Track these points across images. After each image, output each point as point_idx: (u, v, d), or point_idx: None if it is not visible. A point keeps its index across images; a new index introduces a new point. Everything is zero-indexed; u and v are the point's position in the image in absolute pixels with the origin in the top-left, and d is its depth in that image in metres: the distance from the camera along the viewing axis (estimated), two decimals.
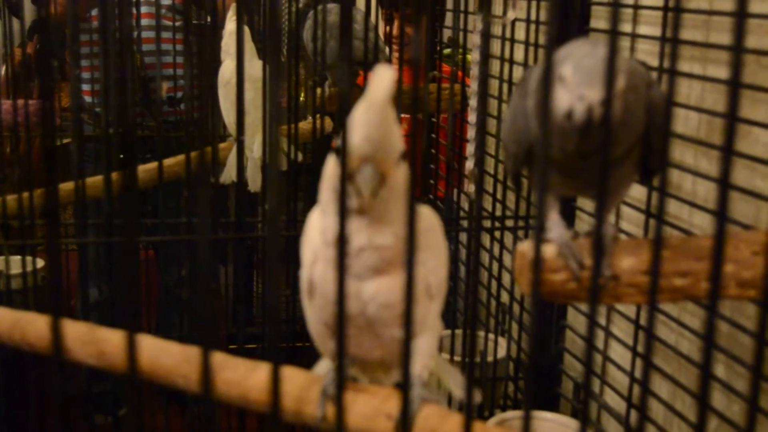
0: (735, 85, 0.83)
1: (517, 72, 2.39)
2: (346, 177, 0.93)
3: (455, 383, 1.36)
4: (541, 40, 2.29)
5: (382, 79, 1.01)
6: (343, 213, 0.86)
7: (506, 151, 1.39)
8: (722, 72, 1.76)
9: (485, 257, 2.65)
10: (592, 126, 1.08)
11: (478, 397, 1.34)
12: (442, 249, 1.20)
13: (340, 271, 0.87)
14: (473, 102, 2.19)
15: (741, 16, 0.82)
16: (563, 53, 1.15)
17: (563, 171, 1.24)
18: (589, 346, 0.89)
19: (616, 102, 1.10)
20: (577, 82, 1.09)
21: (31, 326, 1.28)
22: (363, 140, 1.02)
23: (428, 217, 1.19)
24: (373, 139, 1.02)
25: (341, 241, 0.86)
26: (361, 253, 1.09)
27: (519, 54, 2.38)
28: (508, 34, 2.40)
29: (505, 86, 2.44)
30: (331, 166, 1.10)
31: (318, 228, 1.14)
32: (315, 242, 1.14)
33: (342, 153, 0.87)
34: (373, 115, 1.01)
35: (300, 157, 2.78)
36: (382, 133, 1.02)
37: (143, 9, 3.51)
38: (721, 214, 0.83)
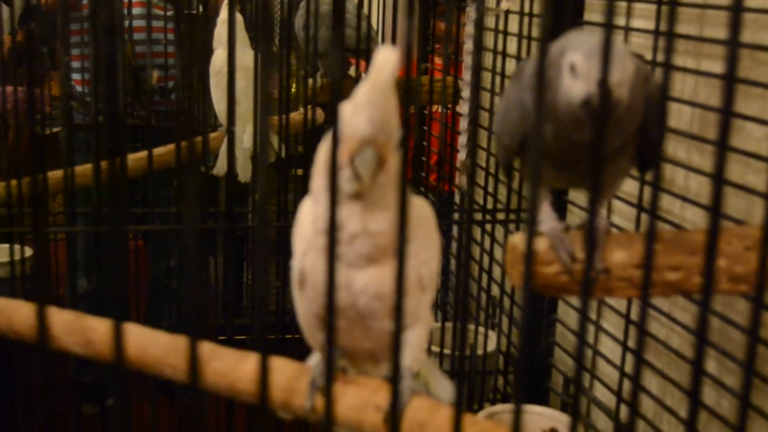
0: (730, 80, 0.83)
1: (510, 65, 2.38)
2: (340, 161, 0.91)
3: (443, 390, 1.35)
4: (535, 32, 2.28)
5: (386, 61, 1.00)
6: (334, 199, 0.85)
7: (498, 143, 1.38)
8: (716, 66, 1.75)
9: (476, 250, 2.65)
10: (611, 110, 1.09)
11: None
12: (435, 240, 1.19)
13: (330, 257, 0.86)
14: (466, 93, 2.18)
15: (737, 10, 0.82)
16: (562, 44, 1.14)
17: (557, 164, 1.23)
18: (581, 341, 0.88)
19: (626, 86, 1.10)
20: (591, 68, 1.09)
21: (18, 314, 1.27)
22: (365, 122, 1.01)
23: (422, 208, 1.18)
24: (375, 120, 1.01)
25: (332, 227, 0.85)
26: (354, 240, 1.07)
27: (512, 46, 2.37)
28: (501, 27, 2.39)
29: (498, 79, 2.43)
30: (325, 150, 1.09)
31: (310, 217, 1.13)
32: (307, 232, 1.13)
33: (334, 138, 0.86)
34: (376, 97, 1.00)
35: (291, 148, 2.77)
36: (384, 116, 1.01)
37: None
38: (716, 209, 0.82)
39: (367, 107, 1.00)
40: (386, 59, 1.00)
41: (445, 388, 1.35)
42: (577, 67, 1.11)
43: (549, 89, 1.14)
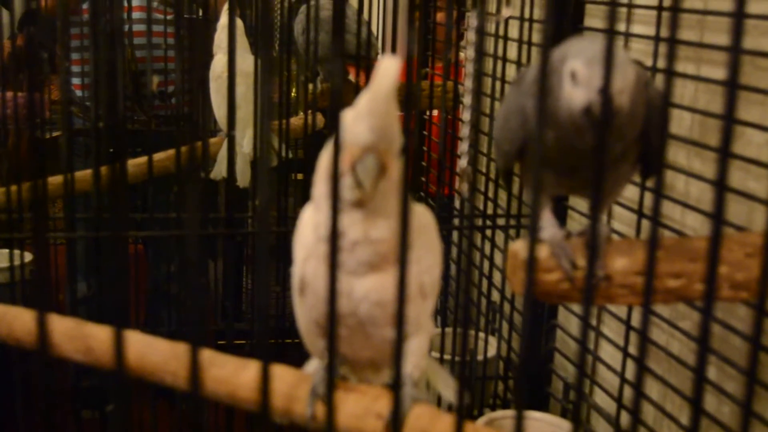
0: (732, 87, 0.82)
1: (511, 70, 2.38)
2: (342, 168, 0.91)
3: (445, 385, 1.35)
4: (535, 38, 2.28)
5: (388, 69, 1.00)
6: (336, 205, 0.85)
7: (498, 149, 1.38)
8: (716, 72, 1.75)
9: (476, 256, 2.65)
10: (612, 118, 1.08)
11: (465, 398, 1.33)
12: (436, 247, 1.19)
13: (332, 264, 0.86)
14: (467, 100, 2.18)
15: (739, 17, 0.81)
16: (563, 51, 1.14)
17: (558, 170, 1.23)
18: (582, 348, 0.88)
19: (627, 93, 1.10)
20: (592, 76, 1.09)
21: (18, 321, 1.27)
22: (367, 129, 1.01)
23: (423, 215, 1.18)
24: (377, 128, 1.01)
25: (333, 235, 0.85)
26: (355, 248, 1.07)
27: (512, 52, 2.37)
28: (501, 32, 2.39)
29: (498, 84, 2.43)
30: (326, 158, 1.09)
31: (311, 224, 1.13)
32: (308, 239, 1.13)
33: (336, 145, 0.86)
34: (378, 105, 1.00)
35: (290, 153, 2.77)
36: (386, 123, 1.01)
37: (134, 2, 3.48)
38: (718, 217, 0.82)
39: (369, 115, 1.00)
40: (389, 68, 1.00)
41: (447, 384, 1.35)
42: (577, 74, 1.11)
43: (550, 96, 1.14)
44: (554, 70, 1.13)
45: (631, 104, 1.12)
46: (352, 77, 2.79)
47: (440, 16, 3.27)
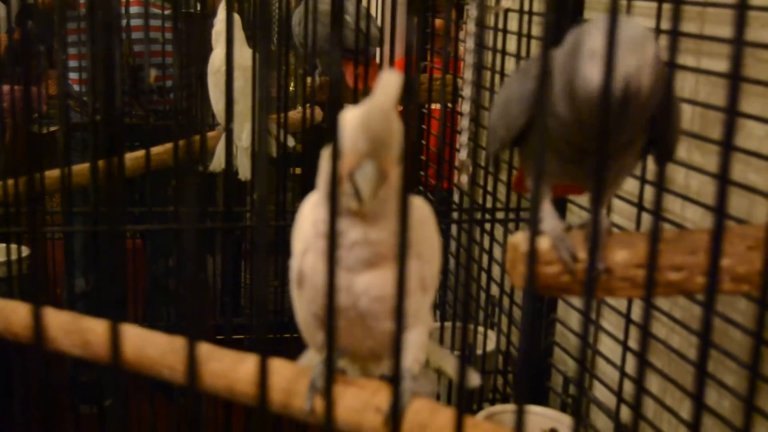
0: (735, 79, 0.82)
1: (510, 63, 2.38)
2: (341, 174, 0.90)
3: (450, 365, 1.36)
4: (534, 30, 2.28)
5: (389, 85, 0.99)
6: (334, 211, 0.84)
7: (492, 135, 1.37)
8: (716, 64, 1.75)
9: (475, 249, 2.64)
10: (631, 97, 1.06)
11: (476, 380, 1.33)
12: (435, 241, 1.18)
13: (330, 266, 0.85)
14: (466, 92, 2.17)
15: (742, 8, 0.81)
16: (582, 30, 1.12)
17: (565, 157, 1.22)
18: (583, 342, 0.88)
19: (649, 72, 1.08)
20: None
21: (15, 315, 1.26)
22: (366, 140, 1.00)
23: (421, 209, 1.17)
24: (376, 140, 1.00)
25: (332, 238, 0.84)
26: (354, 247, 1.07)
27: (512, 45, 2.36)
28: (500, 25, 2.38)
29: (498, 77, 2.42)
30: (327, 162, 1.08)
31: (310, 218, 1.12)
32: (306, 232, 1.13)
33: (334, 153, 0.85)
34: (378, 117, 0.99)
35: (291, 142, 2.76)
36: (385, 136, 1.00)
37: None
38: (720, 210, 0.81)
39: (369, 128, 0.99)
40: (389, 83, 0.99)
41: (453, 365, 1.36)
42: (597, 52, 1.08)
43: (566, 75, 1.12)
44: (572, 50, 1.12)
45: (651, 86, 1.09)
46: (349, 80, 2.77)
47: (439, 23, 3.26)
